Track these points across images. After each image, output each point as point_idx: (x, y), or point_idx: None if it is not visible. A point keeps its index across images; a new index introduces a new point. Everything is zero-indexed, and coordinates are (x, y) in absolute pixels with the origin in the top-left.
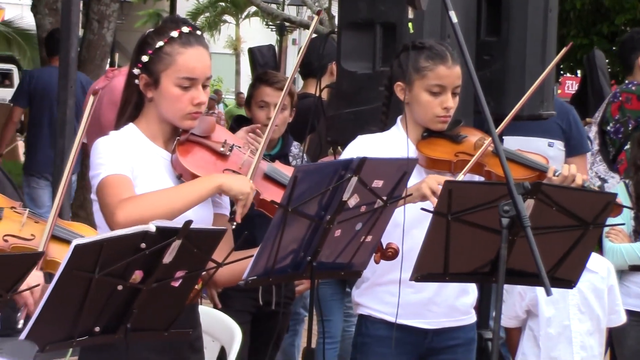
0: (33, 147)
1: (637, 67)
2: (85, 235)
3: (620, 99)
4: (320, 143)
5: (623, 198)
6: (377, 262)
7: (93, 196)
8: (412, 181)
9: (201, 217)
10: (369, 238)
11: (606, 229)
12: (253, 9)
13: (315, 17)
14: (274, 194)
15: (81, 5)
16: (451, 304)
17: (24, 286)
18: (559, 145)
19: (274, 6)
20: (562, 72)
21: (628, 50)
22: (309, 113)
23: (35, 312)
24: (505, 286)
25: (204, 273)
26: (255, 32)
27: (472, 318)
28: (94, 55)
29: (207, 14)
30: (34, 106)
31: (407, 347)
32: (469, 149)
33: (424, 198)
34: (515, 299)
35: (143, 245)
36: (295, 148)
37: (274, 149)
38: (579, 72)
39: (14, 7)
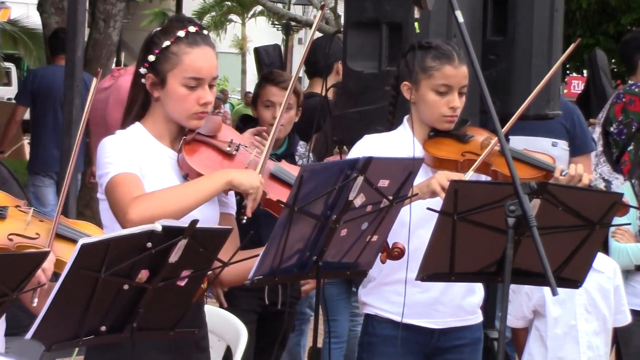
0: (37, 146)
1: None
2: (91, 234)
3: (623, 100)
4: (326, 142)
5: (629, 198)
6: (383, 261)
7: (99, 195)
8: (419, 180)
9: (207, 217)
10: (375, 238)
11: (612, 229)
12: (259, 8)
13: (319, 12)
14: (280, 194)
15: (87, 4)
16: (458, 304)
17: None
18: (563, 145)
19: (280, 5)
20: (568, 71)
21: (631, 50)
22: (314, 112)
23: (42, 312)
24: (512, 286)
25: (209, 272)
26: (261, 32)
27: (478, 318)
28: (100, 55)
29: (213, 13)
30: (38, 105)
31: (413, 346)
32: (475, 149)
33: (433, 194)
34: (522, 299)
35: (149, 244)
36: (302, 147)
37: (280, 149)
38: (584, 71)
39: (20, 6)
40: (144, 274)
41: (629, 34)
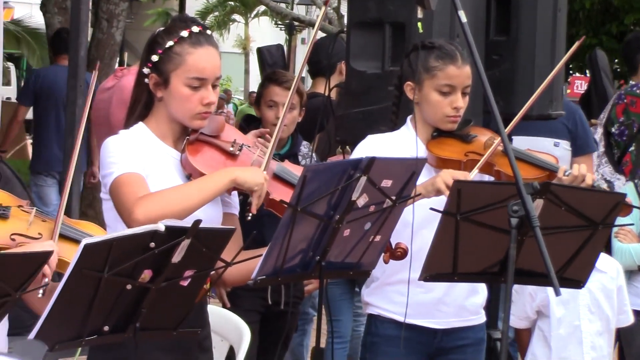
0: (39, 146)
1: None
2: (93, 234)
3: (625, 101)
4: (329, 142)
5: (632, 198)
6: (386, 262)
7: (102, 195)
8: (422, 181)
9: (210, 217)
10: (378, 238)
11: (615, 229)
12: (262, 8)
13: (323, 8)
14: (283, 194)
15: (90, 4)
16: (461, 304)
17: (32, 285)
18: (565, 145)
19: (283, 5)
20: (571, 71)
21: (633, 50)
22: (318, 112)
23: (45, 312)
24: (516, 287)
25: (212, 272)
26: (264, 32)
27: (481, 318)
28: (103, 55)
29: (216, 13)
30: (40, 105)
31: (416, 346)
32: (478, 149)
33: (438, 192)
34: (526, 299)
35: (152, 244)
36: (305, 147)
37: (283, 148)
38: (587, 72)
39: (23, 6)
40: (147, 274)
41: (631, 34)
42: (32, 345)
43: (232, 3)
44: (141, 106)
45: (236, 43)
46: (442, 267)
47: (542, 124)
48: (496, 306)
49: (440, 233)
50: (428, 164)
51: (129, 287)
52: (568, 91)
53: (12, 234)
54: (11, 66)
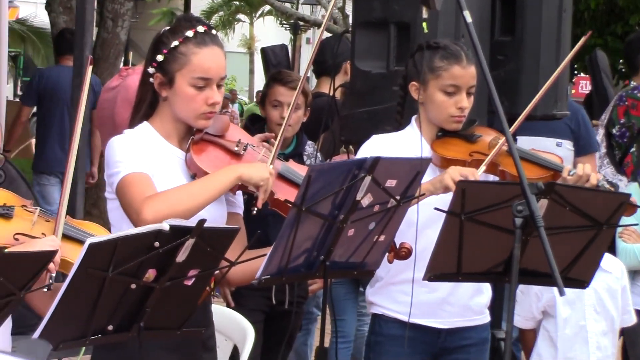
0: (42, 146)
1: None
2: (97, 234)
3: (626, 103)
4: (333, 142)
5: (637, 198)
6: (390, 261)
7: (108, 194)
8: (427, 180)
9: (215, 216)
10: (382, 237)
11: (619, 230)
12: (267, 7)
13: (331, 3)
14: (288, 193)
15: (95, 3)
16: (465, 304)
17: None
18: (568, 145)
19: (288, 5)
20: (576, 72)
21: (635, 50)
22: (322, 112)
23: (49, 311)
24: (522, 287)
25: (217, 272)
26: (269, 31)
27: (485, 318)
28: (108, 54)
29: (221, 13)
30: (44, 105)
31: (420, 346)
32: (483, 149)
33: (446, 189)
34: (532, 299)
35: (157, 244)
36: (310, 147)
37: (287, 148)
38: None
39: (28, 5)
40: (151, 274)
41: (632, 35)
42: (37, 344)
43: (237, 3)
44: (146, 106)
45: (241, 43)
46: (446, 267)
47: (545, 124)
48: (500, 306)
49: (445, 233)
50: (432, 163)
51: (133, 286)
52: (573, 91)
53: (16, 234)
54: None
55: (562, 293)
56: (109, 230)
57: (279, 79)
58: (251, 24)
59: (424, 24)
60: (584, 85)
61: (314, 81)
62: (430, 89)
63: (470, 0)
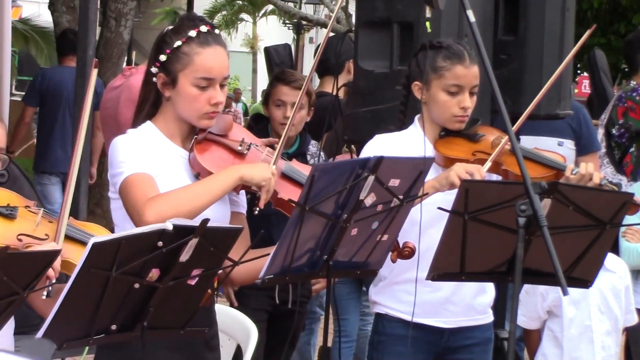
0: (43, 146)
1: None
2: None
3: (625, 105)
4: (337, 141)
5: None
6: (393, 261)
7: (111, 194)
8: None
9: (218, 216)
10: (385, 237)
11: (623, 229)
12: (270, 7)
13: (336, 8)
14: (291, 193)
15: (98, 3)
16: (468, 303)
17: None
18: (569, 144)
19: (291, 4)
20: (579, 71)
21: (634, 49)
22: (325, 111)
23: (53, 310)
24: (527, 287)
25: (220, 271)
26: (272, 31)
27: (489, 317)
28: (111, 54)
29: (224, 12)
30: (46, 105)
31: (423, 345)
32: (486, 148)
33: (452, 186)
34: (537, 299)
35: (160, 243)
36: (313, 147)
37: (291, 148)
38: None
39: (31, 5)
40: (154, 273)
41: (632, 34)
42: (40, 344)
43: (240, 2)
44: (149, 105)
45: (244, 42)
46: (449, 266)
47: (546, 123)
48: (504, 306)
49: (448, 232)
50: (436, 163)
51: (136, 286)
52: (576, 91)
53: (19, 235)
54: None
55: (565, 293)
56: (112, 230)
57: (282, 78)
58: (254, 23)
59: (427, 24)
60: (587, 85)
61: (316, 80)
62: (433, 88)
63: None
